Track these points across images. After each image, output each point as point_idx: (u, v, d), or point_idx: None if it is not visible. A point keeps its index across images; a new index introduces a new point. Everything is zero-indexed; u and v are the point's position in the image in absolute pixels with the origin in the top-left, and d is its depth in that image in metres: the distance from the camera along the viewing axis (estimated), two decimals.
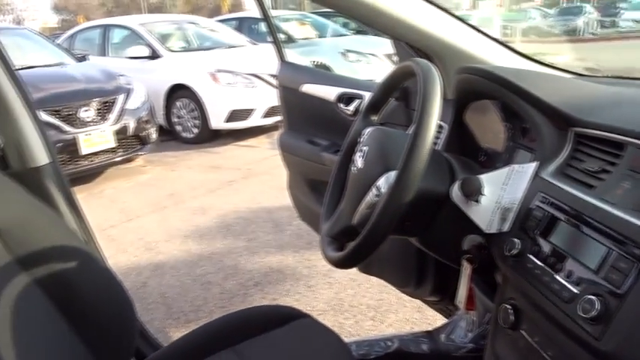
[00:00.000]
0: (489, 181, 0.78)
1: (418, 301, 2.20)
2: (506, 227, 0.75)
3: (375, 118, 1.04)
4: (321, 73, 2.19)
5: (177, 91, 5.99)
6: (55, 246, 1.05)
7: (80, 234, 1.24)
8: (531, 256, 0.69)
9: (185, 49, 6.74)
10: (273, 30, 2.19)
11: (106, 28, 7.07)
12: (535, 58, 1.12)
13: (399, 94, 1.42)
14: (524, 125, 0.86)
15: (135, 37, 6.55)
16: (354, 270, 2.57)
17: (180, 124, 6.07)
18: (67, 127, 4.26)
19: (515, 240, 0.71)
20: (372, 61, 7.44)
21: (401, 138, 0.93)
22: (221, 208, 3.81)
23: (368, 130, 0.96)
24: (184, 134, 6.06)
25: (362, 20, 1.24)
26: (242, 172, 4.74)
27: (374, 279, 2.50)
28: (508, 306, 0.74)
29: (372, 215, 0.80)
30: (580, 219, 0.64)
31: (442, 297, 1.53)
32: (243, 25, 8.78)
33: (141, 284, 2.69)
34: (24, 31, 5.94)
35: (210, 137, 5.94)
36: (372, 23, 1.21)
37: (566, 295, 0.61)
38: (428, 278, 1.49)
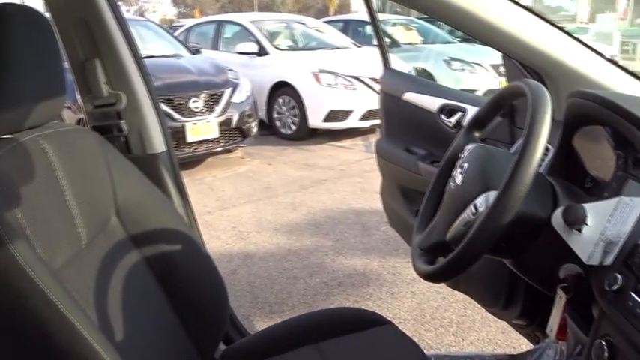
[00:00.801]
0: (594, 212, 0.76)
1: (503, 323, 2.14)
2: (608, 261, 0.72)
3: (478, 134, 1.04)
4: (425, 83, 2.18)
5: (280, 88, 6.18)
6: (164, 228, 1.15)
7: (185, 219, 1.33)
8: (633, 294, 0.66)
9: (291, 48, 6.94)
10: (379, 35, 2.21)
11: (220, 24, 7.45)
12: None
13: (507, 113, 1.39)
14: (637, 155, 0.82)
15: (245, 33, 6.84)
16: (439, 284, 2.53)
17: (279, 120, 6.27)
18: (176, 116, 4.54)
19: (618, 275, 0.69)
20: (477, 71, 7.24)
21: (504, 158, 0.92)
22: (312, 205, 3.90)
23: (470, 147, 0.96)
24: (283, 130, 6.24)
25: (472, 34, 1.23)
26: (335, 173, 4.81)
27: (459, 294, 2.46)
28: (603, 342, 0.71)
29: (468, 234, 0.80)
30: None
31: (530, 321, 1.47)
32: (349, 28, 8.86)
33: (231, 271, 2.82)
34: (147, 23, 6.40)
35: (307, 135, 6.08)
36: (482, 38, 1.19)
37: None
38: (517, 300, 1.45)
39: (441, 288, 2.51)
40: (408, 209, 1.95)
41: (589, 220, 0.75)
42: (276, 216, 3.71)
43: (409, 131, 1.95)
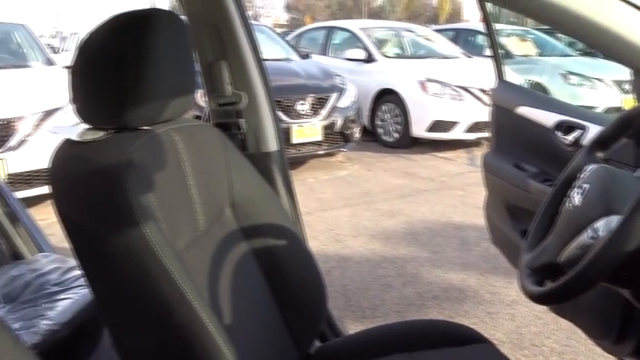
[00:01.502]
0: None
1: (612, 358, 1.99)
2: None
3: (601, 154, 0.98)
4: (541, 97, 2.09)
5: (385, 95, 6.19)
6: (272, 224, 1.20)
7: (291, 217, 1.39)
8: None
9: (399, 56, 6.92)
10: (495, 45, 2.15)
11: (330, 30, 7.60)
12: None
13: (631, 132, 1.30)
14: None
15: (354, 40, 6.93)
16: (542, 307, 2.41)
17: (382, 127, 6.27)
18: (284, 117, 4.70)
19: None
20: (597, 87, 6.79)
21: (629, 181, 0.87)
22: (410, 215, 3.86)
23: (591, 167, 0.91)
24: (385, 137, 6.24)
25: (595, 46, 1.16)
26: (435, 184, 4.72)
27: (563, 322, 2.32)
28: None
29: (585, 258, 0.76)
30: None
31: None
32: (460, 37, 8.67)
33: (326, 272, 2.85)
34: (262, 27, 6.68)
35: (408, 144, 6.03)
36: (607, 51, 1.12)
37: None
38: (632, 335, 1.34)
39: (543, 313, 2.38)
40: (513, 227, 1.88)
41: None
42: (373, 222, 3.72)
43: (520, 146, 1.88)
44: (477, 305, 2.52)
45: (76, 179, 0.83)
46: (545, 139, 1.71)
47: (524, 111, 1.84)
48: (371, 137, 6.29)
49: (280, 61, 5.55)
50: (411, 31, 7.71)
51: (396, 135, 6.13)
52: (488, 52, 8.25)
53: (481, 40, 8.76)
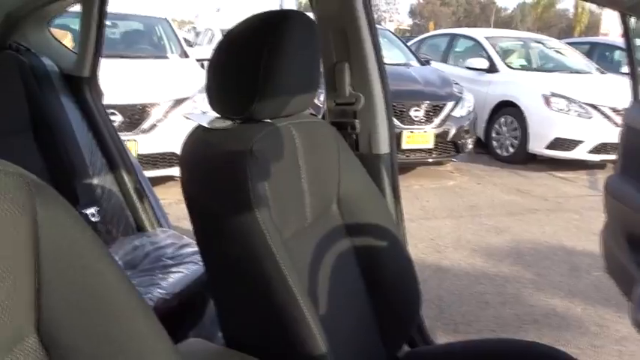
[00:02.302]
0: None
1: None
2: None
3: None
4: None
5: (504, 108, 5.96)
6: (375, 224, 1.23)
7: (395, 219, 1.41)
8: None
9: (524, 68, 6.63)
10: (633, 62, 2.02)
11: (453, 37, 7.46)
12: None
13: None
14: None
15: (477, 48, 6.74)
16: None
17: (497, 140, 6.04)
18: (396, 122, 4.70)
19: None
20: None
21: None
22: (517, 233, 3.70)
23: None
24: (499, 151, 6.01)
25: None
26: (549, 204, 4.48)
27: None
28: None
29: None
30: None
31: None
32: (595, 51, 8.10)
33: (422, 280, 2.78)
34: (385, 32, 6.72)
35: (524, 160, 5.75)
36: None
37: None
38: None
39: None
40: (630, 257, 1.76)
41: None
42: (476, 236, 3.61)
43: None
44: (581, 336, 2.37)
45: (203, 163, 0.92)
46: None
47: None
48: (484, 149, 6.09)
49: (399, 66, 5.55)
50: (541, 43, 7.33)
51: (512, 149, 5.87)
52: (625, 69, 7.67)
53: (619, 56, 8.11)
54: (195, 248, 1.69)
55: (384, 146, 1.36)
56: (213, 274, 0.96)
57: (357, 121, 1.34)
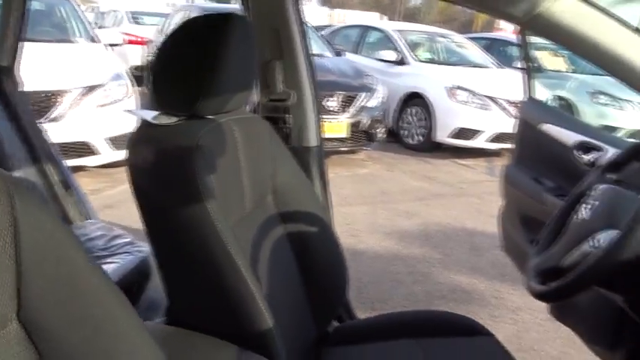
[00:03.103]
0: None
1: None
2: None
3: (612, 176, 1.09)
4: (565, 117, 2.18)
5: (413, 99, 6.28)
6: (306, 212, 1.33)
7: (324, 207, 1.52)
8: None
9: (430, 61, 6.99)
10: (528, 62, 2.25)
11: (365, 29, 7.69)
12: None
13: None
14: None
15: (387, 41, 7.02)
16: (544, 315, 2.51)
17: (406, 130, 6.36)
18: None
19: None
20: (625, 108, 6.78)
21: (632, 201, 0.98)
22: (425, 217, 3.97)
23: (602, 187, 1.03)
24: (407, 140, 6.33)
25: (617, 76, 1.26)
26: (453, 189, 4.82)
27: (563, 330, 2.42)
28: None
29: (584, 263, 0.88)
30: None
31: None
32: (494, 47, 8.69)
33: None
34: None
35: (430, 148, 6.11)
36: (627, 80, 1.23)
37: None
38: (624, 343, 1.45)
39: (546, 322, 2.49)
40: (524, 236, 1.99)
41: None
42: (389, 221, 3.84)
43: (540, 162, 1.98)
44: (482, 308, 2.63)
45: (152, 158, 0.97)
46: (565, 156, 1.82)
47: (548, 128, 1.94)
48: (393, 138, 6.39)
49: (313, 56, 5.64)
50: (446, 37, 7.77)
51: (419, 138, 6.22)
52: (519, 64, 8.27)
53: (514, 51, 8.78)
54: (128, 239, 1.71)
55: (313, 140, 1.46)
56: (163, 263, 1.01)
57: (289, 116, 1.43)
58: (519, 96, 6.52)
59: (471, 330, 1.32)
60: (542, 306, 2.76)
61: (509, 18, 1.13)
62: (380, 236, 3.51)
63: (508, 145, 5.90)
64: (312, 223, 1.33)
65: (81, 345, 0.62)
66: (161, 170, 0.96)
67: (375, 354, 1.27)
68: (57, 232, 0.62)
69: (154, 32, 8.23)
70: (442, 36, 7.79)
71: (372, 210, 4.06)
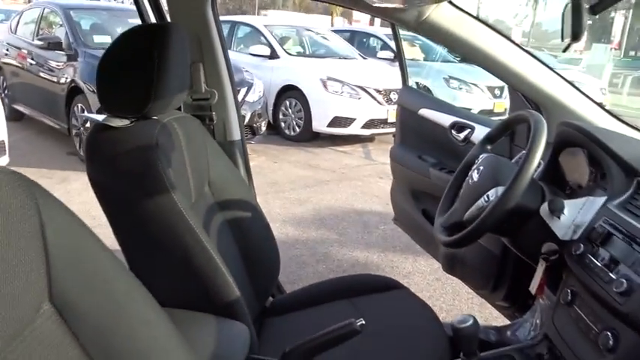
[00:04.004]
0: (570, 205, 1.10)
1: (486, 313, 2.49)
2: (576, 237, 1.06)
3: (489, 147, 1.38)
4: (438, 101, 2.51)
5: (288, 91, 6.52)
6: (239, 199, 1.47)
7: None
8: (590, 256, 1.00)
9: (300, 54, 7.27)
10: (401, 55, 2.55)
11: (234, 24, 7.76)
12: (623, 120, 1.41)
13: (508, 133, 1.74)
14: (603, 171, 1.17)
15: (257, 35, 7.17)
16: (433, 277, 2.88)
17: (284, 122, 6.59)
18: None
19: (581, 245, 1.03)
20: (473, 91, 7.64)
21: (509, 165, 1.27)
22: (316, 202, 4.23)
23: (484, 156, 1.30)
24: (287, 131, 6.57)
25: (486, 69, 1.57)
26: (337, 175, 5.15)
27: (449, 288, 2.81)
28: (568, 290, 1.05)
29: (480, 215, 1.14)
30: (627, 235, 0.95)
31: (512, 304, 1.82)
32: (355, 38, 9.24)
33: None
34: None
35: (310, 138, 6.41)
36: (495, 73, 1.54)
37: (607, 279, 0.92)
38: (503, 285, 1.79)
39: (435, 283, 2.86)
40: (415, 207, 2.29)
41: (565, 211, 1.10)
42: (284, 209, 4.03)
43: (422, 142, 2.29)
44: None
45: (115, 157, 1.06)
46: (442, 136, 2.13)
47: (425, 112, 2.25)
48: (273, 131, 6.58)
49: None
50: (311, 30, 8.11)
51: (298, 129, 6.48)
52: (380, 54, 8.85)
53: (373, 42, 9.42)
54: None
55: (236, 134, 1.60)
56: (130, 251, 1.10)
57: (213, 113, 1.55)
58: (385, 84, 7.07)
59: (389, 286, 1.56)
60: (430, 270, 3.16)
61: (403, 23, 1.37)
62: (278, 224, 3.69)
63: (379, 131, 6.40)
64: (245, 210, 1.48)
65: (106, 320, 0.73)
66: (125, 167, 1.05)
67: (314, 316, 1.45)
68: (73, 222, 0.72)
69: (4, 30, 7.56)
70: (308, 29, 8.12)
71: (266, 200, 4.22)
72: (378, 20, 16.34)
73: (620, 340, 0.87)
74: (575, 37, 1.03)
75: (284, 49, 6.96)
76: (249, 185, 1.70)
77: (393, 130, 6.43)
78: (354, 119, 6.24)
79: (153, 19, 1.60)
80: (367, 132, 6.37)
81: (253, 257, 1.48)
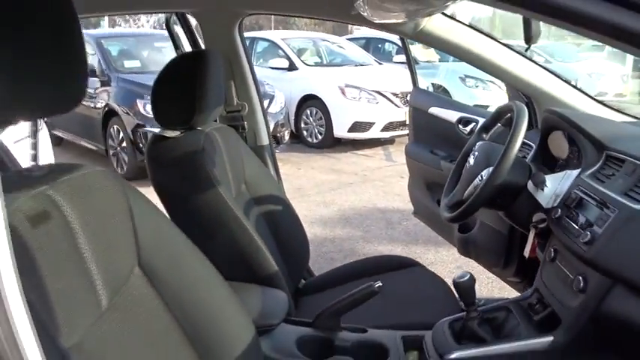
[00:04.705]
0: (551, 179, 1.29)
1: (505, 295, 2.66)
2: (556, 203, 1.26)
3: (485, 136, 1.58)
4: (446, 100, 2.72)
5: (308, 101, 6.77)
6: (272, 195, 1.71)
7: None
8: (566, 218, 1.19)
9: (318, 64, 7.53)
10: (410, 59, 2.76)
11: (253, 40, 8.07)
12: (605, 102, 1.61)
13: (505, 122, 1.93)
14: (581, 152, 1.36)
15: (275, 49, 7.46)
16: (454, 265, 3.07)
17: (306, 130, 6.84)
18: None
19: (559, 209, 1.22)
20: (490, 88, 7.76)
21: (499, 149, 1.47)
22: (341, 204, 4.45)
23: (479, 144, 1.51)
24: (309, 139, 6.81)
25: (476, 66, 1.77)
26: (359, 177, 5.36)
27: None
28: (551, 249, 1.25)
29: (475, 192, 1.34)
30: (594, 198, 1.14)
31: (522, 278, 2.00)
32: (370, 45, 9.46)
33: None
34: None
35: (331, 144, 6.64)
36: (484, 69, 1.74)
37: (577, 234, 1.11)
38: (512, 263, 1.97)
39: (455, 269, 3.04)
40: (430, 198, 2.49)
41: (548, 183, 1.29)
42: (310, 212, 4.26)
43: (433, 137, 2.49)
44: None
45: (171, 160, 1.30)
46: (451, 130, 2.33)
47: (435, 110, 2.45)
48: (296, 139, 6.84)
49: None
50: (327, 41, 8.37)
51: (320, 136, 6.72)
52: (396, 59, 9.03)
53: (388, 47, 9.63)
54: None
55: (265, 140, 1.84)
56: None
57: (245, 122, 1.80)
58: (402, 87, 7.25)
59: (407, 264, 1.77)
60: (452, 259, 3.35)
61: (403, 34, 1.59)
62: (306, 225, 3.82)
63: (398, 133, 6.59)
64: (277, 204, 1.72)
65: (184, 285, 0.95)
66: (181, 168, 1.29)
67: (340, 292, 1.66)
68: (153, 208, 0.95)
69: None
70: (323, 40, 8.39)
71: (293, 204, 4.44)
72: None
73: (589, 282, 1.07)
74: (528, 40, 1.24)
75: (302, 61, 7.23)
76: (279, 183, 1.93)
77: None
78: (374, 123, 6.45)
79: (185, 43, 1.85)
80: (387, 134, 6.57)
81: (285, 243, 1.70)
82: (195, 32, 1.77)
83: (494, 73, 1.70)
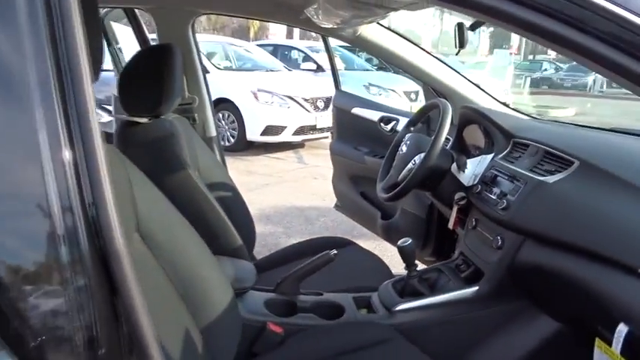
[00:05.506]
0: (471, 163, 1.57)
1: None
2: (476, 182, 1.53)
3: (412, 129, 1.83)
4: (368, 101, 2.97)
5: (221, 104, 6.82)
6: (221, 181, 1.85)
7: None
8: (485, 192, 1.46)
9: (228, 68, 7.60)
10: (332, 63, 2.99)
11: None
12: (507, 104, 1.93)
13: (424, 120, 2.22)
14: (493, 141, 1.65)
15: None
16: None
17: (220, 133, 6.87)
18: None
19: (479, 185, 1.49)
20: (391, 96, 8.29)
21: (427, 139, 1.73)
22: (260, 203, 4.58)
23: (408, 135, 1.75)
24: (222, 142, 6.84)
25: (402, 68, 2.03)
26: (274, 178, 5.53)
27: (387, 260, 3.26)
28: (473, 219, 1.52)
29: (409, 175, 1.58)
30: (506, 174, 1.43)
31: (437, 258, 2.29)
32: (278, 51, 9.69)
33: None
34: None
35: (244, 147, 6.75)
36: (408, 72, 2.01)
37: (495, 203, 1.38)
38: (430, 243, 2.26)
39: None
40: (355, 191, 2.73)
41: (468, 166, 1.56)
42: None
43: (357, 135, 2.73)
44: None
45: (143, 143, 1.40)
46: (373, 128, 2.58)
47: (357, 111, 2.70)
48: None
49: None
50: (235, 45, 8.46)
51: (233, 139, 6.80)
52: (303, 66, 9.28)
53: (294, 54, 9.92)
54: None
55: (213, 131, 1.97)
56: None
57: (195, 115, 1.91)
58: (312, 93, 7.52)
59: (344, 243, 1.98)
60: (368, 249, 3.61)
61: (343, 39, 1.81)
62: None
63: (309, 136, 6.86)
64: (228, 191, 1.85)
65: (176, 249, 1.08)
66: (151, 151, 1.40)
67: (292, 269, 1.84)
68: (148, 182, 1.07)
69: None
70: (231, 44, 8.47)
71: None
72: (296, 33, 16.91)
73: (505, 240, 1.34)
74: (462, 45, 1.50)
75: (212, 64, 7.27)
76: (225, 169, 2.06)
77: (322, 135, 6.95)
78: (285, 127, 6.66)
79: (121, 38, 1.94)
80: (298, 138, 6.81)
81: (238, 221, 1.84)
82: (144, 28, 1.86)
83: (417, 75, 1.97)
